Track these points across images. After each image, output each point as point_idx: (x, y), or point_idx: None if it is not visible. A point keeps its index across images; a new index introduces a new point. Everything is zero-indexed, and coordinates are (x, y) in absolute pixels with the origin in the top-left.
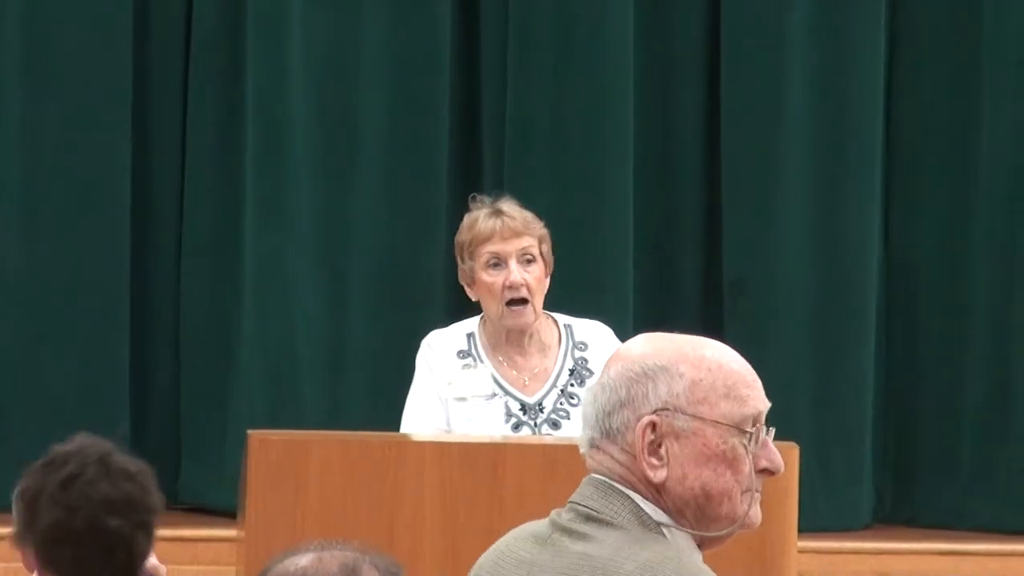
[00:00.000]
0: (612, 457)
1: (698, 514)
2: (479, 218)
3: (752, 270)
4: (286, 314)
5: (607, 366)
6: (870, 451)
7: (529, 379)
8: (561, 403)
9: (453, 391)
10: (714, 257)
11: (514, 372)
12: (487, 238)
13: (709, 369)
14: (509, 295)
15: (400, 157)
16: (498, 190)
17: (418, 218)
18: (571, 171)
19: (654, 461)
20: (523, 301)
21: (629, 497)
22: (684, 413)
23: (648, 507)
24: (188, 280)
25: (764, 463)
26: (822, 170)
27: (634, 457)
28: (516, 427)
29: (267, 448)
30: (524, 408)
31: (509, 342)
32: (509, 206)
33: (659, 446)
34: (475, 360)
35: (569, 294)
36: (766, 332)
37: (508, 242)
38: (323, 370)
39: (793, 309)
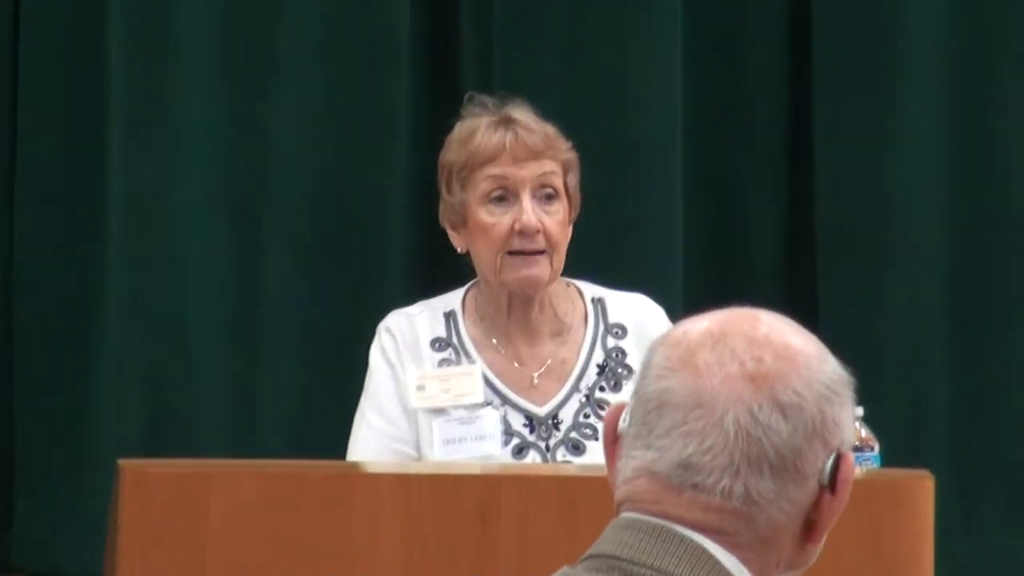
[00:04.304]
0: (765, 513)
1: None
2: (479, 128)
3: (858, 211)
4: (171, 277)
5: (763, 379)
6: None
7: (540, 376)
8: (586, 415)
9: (426, 399)
10: (801, 193)
11: (516, 365)
12: (491, 157)
13: None
14: (518, 244)
15: (340, 46)
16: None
17: (367, 135)
18: (590, 67)
19: None
20: (537, 253)
21: (705, 550)
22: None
23: (729, 561)
24: (25, 230)
25: None
26: (964, 61)
27: (800, 509)
28: (519, 451)
29: (148, 484)
30: (532, 423)
31: (512, 317)
32: (523, 113)
33: None
34: (457, 352)
35: (588, 251)
36: (879, 303)
37: (522, 165)
38: (227, 364)
39: (922, 269)
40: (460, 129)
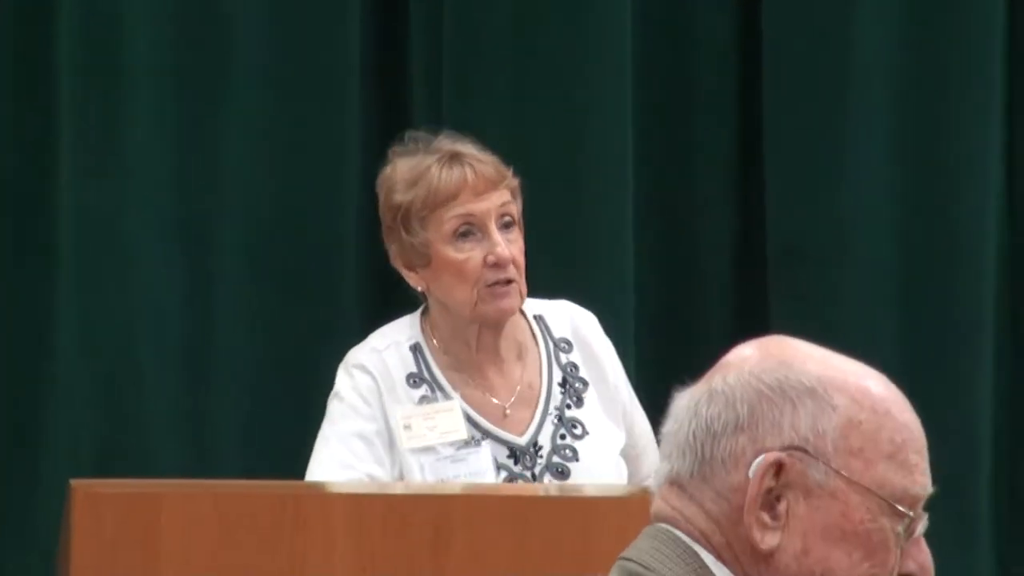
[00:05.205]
0: (695, 502)
1: None
2: (430, 167)
3: (809, 229)
4: (122, 302)
5: (714, 374)
6: (988, 502)
7: (511, 407)
8: (562, 436)
9: (415, 439)
10: (752, 215)
11: (489, 397)
12: (452, 195)
13: (874, 410)
14: (492, 276)
15: (291, 74)
16: (431, 124)
17: (319, 162)
18: (540, 92)
19: (766, 518)
20: (509, 282)
21: (696, 554)
22: (827, 463)
23: (721, 571)
24: None
25: (910, 565)
26: (915, 77)
27: (733, 506)
28: (510, 483)
29: (99, 504)
30: (515, 453)
31: (481, 348)
32: (465, 145)
33: (778, 499)
34: (432, 388)
35: (537, 271)
36: (830, 320)
37: (483, 198)
38: (179, 386)
39: (872, 290)
40: (403, 169)
